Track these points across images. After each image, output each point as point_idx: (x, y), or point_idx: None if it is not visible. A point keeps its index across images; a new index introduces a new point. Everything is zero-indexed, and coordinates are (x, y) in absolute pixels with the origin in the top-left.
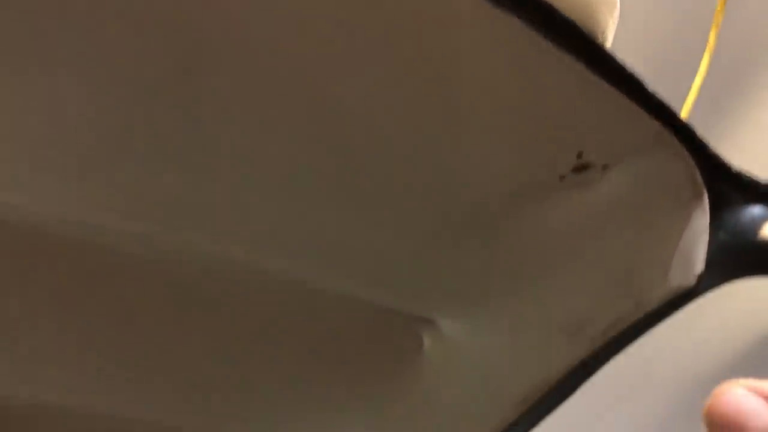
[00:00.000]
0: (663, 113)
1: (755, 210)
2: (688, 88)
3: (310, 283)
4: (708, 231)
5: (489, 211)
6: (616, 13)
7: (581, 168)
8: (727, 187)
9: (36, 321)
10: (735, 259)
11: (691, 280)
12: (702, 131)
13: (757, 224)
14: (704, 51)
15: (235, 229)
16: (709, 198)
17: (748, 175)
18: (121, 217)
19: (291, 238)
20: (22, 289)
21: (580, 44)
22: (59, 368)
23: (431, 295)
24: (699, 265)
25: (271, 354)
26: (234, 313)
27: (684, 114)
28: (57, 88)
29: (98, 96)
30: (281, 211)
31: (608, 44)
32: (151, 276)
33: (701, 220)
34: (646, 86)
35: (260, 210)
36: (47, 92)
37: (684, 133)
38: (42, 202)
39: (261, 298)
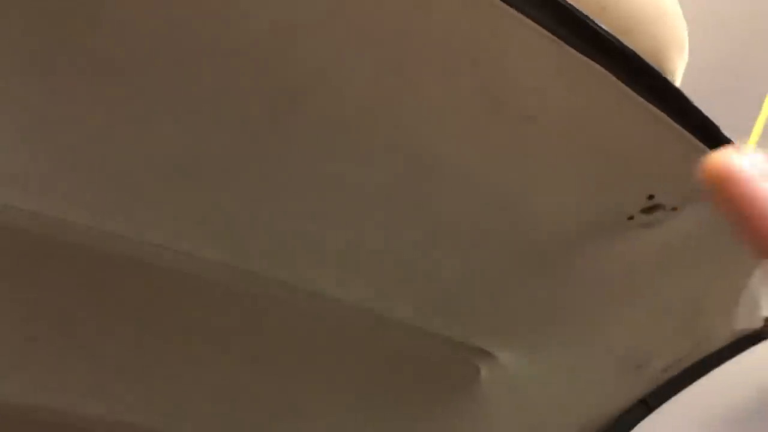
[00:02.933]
0: None
1: None
2: (753, 123)
3: (376, 311)
4: None
5: (556, 249)
6: (685, 53)
7: (651, 209)
8: None
9: (76, 328)
10: None
11: (757, 324)
12: None
13: None
14: None
15: (308, 259)
16: None
17: None
18: (194, 243)
19: (363, 269)
20: (91, 307)
21: (657, 87)
22: (113, 381)
23: (492, 328)
24: (766, 308)
25: (332, 379)
26: (296, 339)
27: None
28: (159, 130)
29: (192, 130)
30: (353, 242)
31: (677, 84)
32: (216, 297)
33: None
34: (719, 130)
35: (333, 240)
36: (146, 127)
37: None
38: (118, 224)
39: (326, 325)
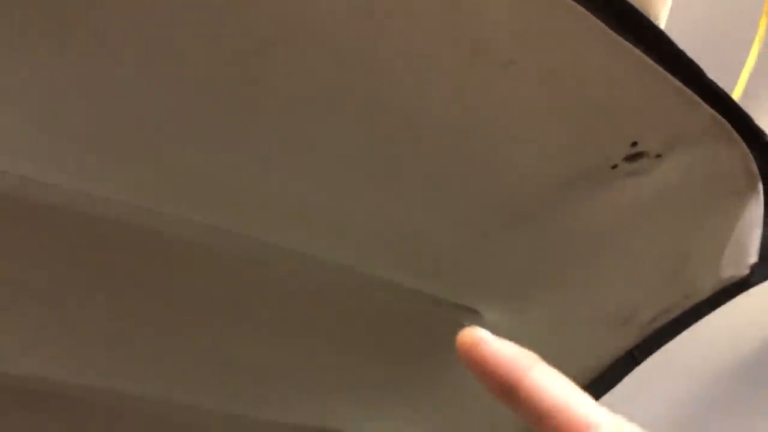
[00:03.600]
0: (719, 101)
1: None
2: (737, 77)
3: (357, 269)
4: (762, 222)
5: (539, 201)
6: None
7: (634, 157)
8: None
9: (86, 303)
10: None
11: (743, 271)
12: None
13: None
14: (754, 39)
15: (289, 218)
16: (765, 188)
17: None
18: (174, 204)
19: (346, 228)
20: (72, 270)
21: (640, 28)
22: (108, 351)
23: (476, 286)
24: (753, 255)
25: (317, 339)
26: (281, 299)
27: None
28: (131, 78)
29: (162, 87)
30: (334, 199)
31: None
32: (202, 262)
33: (756, 211)
34: (703, 73)
35: (314, 198)
36: (117, 82)
37: (740, 122)
38: (97, 185)
39: (310, 285)
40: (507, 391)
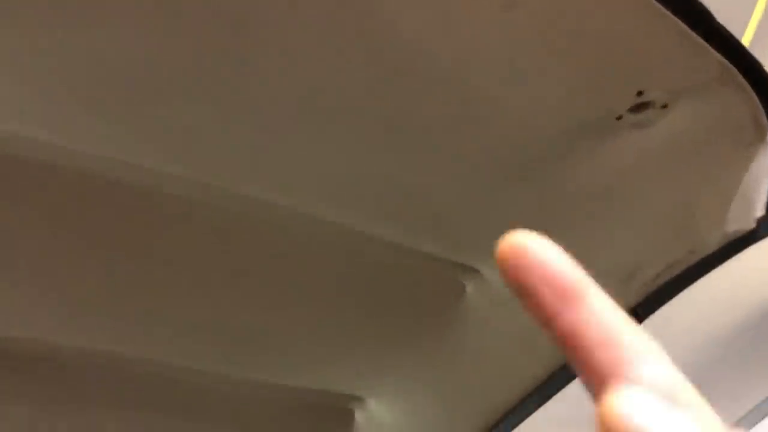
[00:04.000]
0: (728, 46)
1: None
2: (744, 28)
3: (357, 229)
4: None
5: (542, 156)
6: None
7: (640, 107)
8: None
9: (80, 265)
10: None
11: (750, 224)
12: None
13: None
14: None
15: (283, 174)
16: None
17: None
18: (164, 160)
19: (339, 182)
20: (64, 231)
21: None
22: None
23: (477, 244)
24: (760, 209)
25: (315, 299)
26: (276, 260)
27: None
28: (115, 32)
29: (154, 39)
30: (329, 153)
31: None
32: (196, 220)
33: (763, 163)
34: (713, 18)
35: (309, 153)
36: (103, 36)
37: (750, 69)
38: (87, 142)
39: (307, 244)
40: (552, 314)
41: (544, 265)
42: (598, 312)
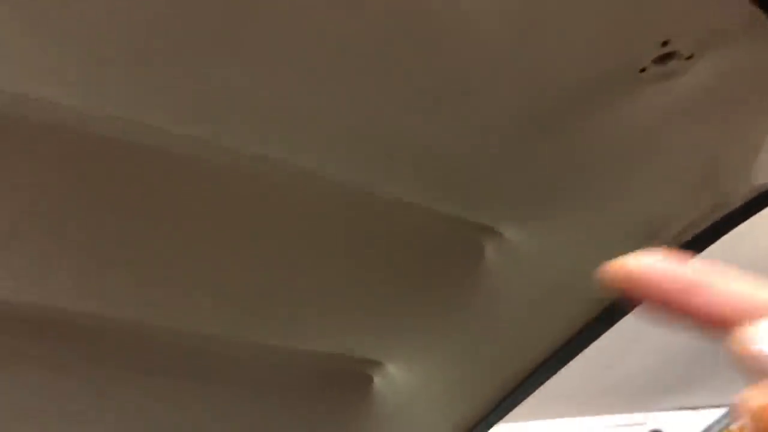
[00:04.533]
0: None
1: None
2: None
3: (371, 188)
4: None
5: (563, 109)
6: None
7: (665, 58)
8: None
9: (89, 226)
10: None
11: None
12: None
13: None
14: None
15: (294, 131)
16: None
17: None
18: (176, 119)
19: (352, 140)
20: (76, 194)
21: None
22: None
23: (496, 203)
24: None
25: (330, 262)
26: (292, 221)
27: None
28: None
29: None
30: (341, 110)
31: None
32: (208, 182)
33: None
34: None
35: (318, 109)
36: None
37: None
38: (97, 101)
39: (321, 206)
40: (685, 303)
41: (662, 275)
42: (725, 288)
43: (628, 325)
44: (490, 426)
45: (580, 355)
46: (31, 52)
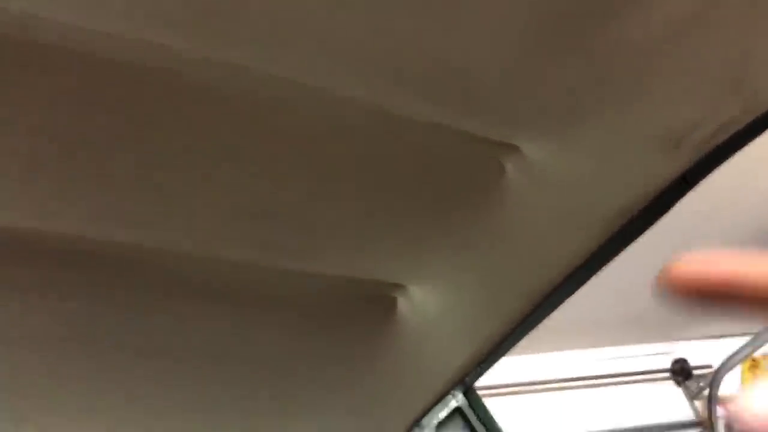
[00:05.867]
0: None
1: None
2: None
3: (388, 105)
4: None
5: (583, 9)
6: None
7: None
8: None
9: (112, 152)
10: None
11: None
12: None
13: None
14: None
15: (309, 49)
16: None
17: None
18: (183, 37)
19: (365, 54)
20: (91, 119)
21: None
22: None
23: (514, 117)
24: None
25: (350, 184)
26: (311, 142)
27: None
28: None
29: None
30: (354, 22)
31: None
32: (226, 104)
33: None
34: None
35: (331, 23)
36: None
37: None
38: (103, 20)
39: (339, 125)
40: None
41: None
42: None
43: (651, 255)
44: (513, 345)
45: (603, 285)
46: None
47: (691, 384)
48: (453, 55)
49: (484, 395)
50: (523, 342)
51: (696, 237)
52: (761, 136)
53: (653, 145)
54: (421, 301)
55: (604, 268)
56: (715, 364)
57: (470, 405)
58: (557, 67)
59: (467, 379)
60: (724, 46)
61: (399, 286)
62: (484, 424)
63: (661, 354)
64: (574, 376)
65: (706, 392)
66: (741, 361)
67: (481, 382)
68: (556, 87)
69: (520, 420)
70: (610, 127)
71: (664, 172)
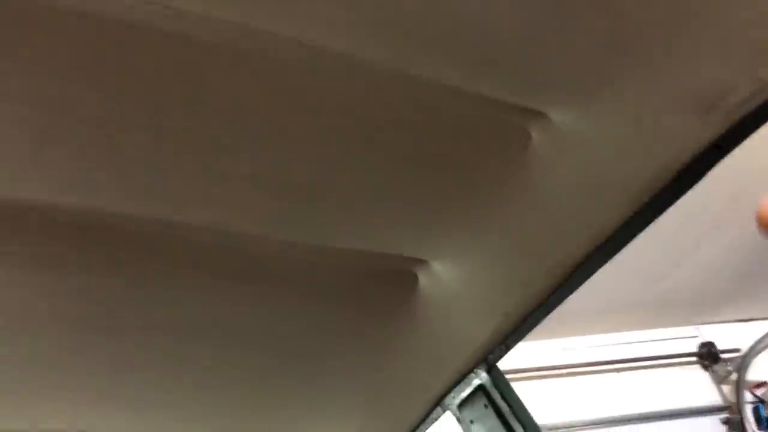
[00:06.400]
0: None
1: None
2: None
3: (412, 71)
4: None
5: None
6: None
7: None
8: None
9: (129, 123)
10: None
11: None
12: None
13: None
14: None
15: (332, 13)
16: None
17: None
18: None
19: (391, 18)
20: (113, 91)
21: None
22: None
23: (543, 82)
24: None
25: (373, 155)
26: (336, 112)
27: None
28: None
29: None
30: None
31: None
32: (250, 73)
33: None
34: None
35: None
36: None
37: None
38: None
39: (363, 95)
40: None
41: None
42: None
43: (679, 238)
44: (537, 323)
45: (629, 268)
46: None
47: (719, 368)
48: (474, 15)
49: (509, 379)
50: (549, 326)
51: (724, 219)
52: None
53: (685, 109)
54: (443, 278)
55: (631, 241)
56: (744, 348)
57: (494, 383)
58: (583, 26)
59: (490, 357)
60: (759, 8)
61: (421, 262)
62: (508, 402)
63: (688, 338)
64: (600, 360)
65: (733, 376)
66: None
67: (505, 366)
68: (582, 47)
69: (546, 404)
70: (639, 89)
71: (697, 139)
